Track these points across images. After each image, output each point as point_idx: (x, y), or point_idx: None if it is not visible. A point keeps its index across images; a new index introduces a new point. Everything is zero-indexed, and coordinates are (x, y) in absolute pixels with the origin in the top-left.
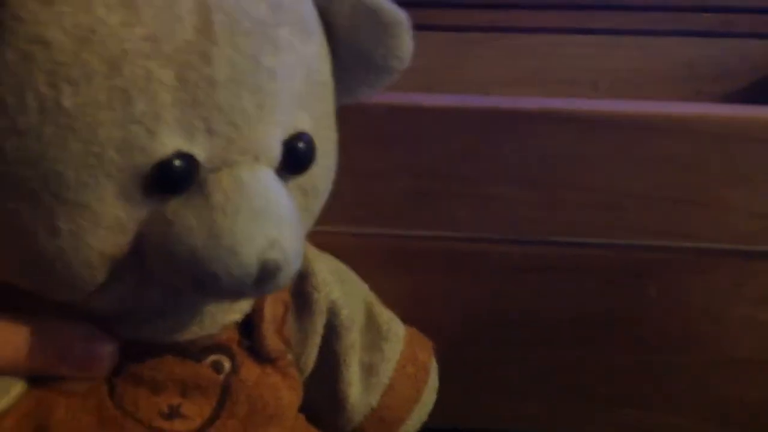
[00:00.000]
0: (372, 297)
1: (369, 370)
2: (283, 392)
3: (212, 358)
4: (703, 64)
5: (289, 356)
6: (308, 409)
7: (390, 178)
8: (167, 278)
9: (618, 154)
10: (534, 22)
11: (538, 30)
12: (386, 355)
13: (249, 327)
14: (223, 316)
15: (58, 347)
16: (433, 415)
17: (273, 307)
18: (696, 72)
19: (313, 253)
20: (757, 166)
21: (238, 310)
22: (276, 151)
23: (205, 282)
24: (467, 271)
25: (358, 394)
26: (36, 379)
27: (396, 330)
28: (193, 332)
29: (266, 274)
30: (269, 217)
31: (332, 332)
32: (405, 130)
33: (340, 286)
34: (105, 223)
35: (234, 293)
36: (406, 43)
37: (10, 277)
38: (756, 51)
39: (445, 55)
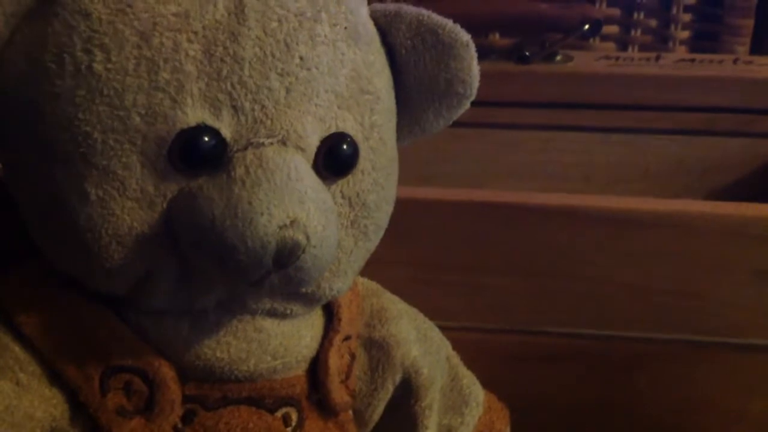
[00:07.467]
0: (455, 357)
1: None
2: None
3: (284, 410)
4: (690, 161)
5: (350, 412)
6: None
7: (385, 269)
8: (193, 256)
9: (609, 246)
10: (525, 119)
11: (530, 127)
12: (465, 419)
13: (316, 378)
14: (292, 345)
15: None
16: None
17: (338, 357)
18: (684, 168)
19: (398, 307)
20: (742, 260)
21: (305, 345)
22: (308, 141)
23: (224, 255)
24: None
25: None
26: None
27: (476, 394)
28: (266, 362)
29: (285, 253)
30: (291, 194)
31: (410, 391)
32: (398, 222)
33: (420, 345)
34: (132, 194)
35: (254, 269)
36: (469, 65)
37: (58, 259)
38: (738, 149)
39: (437, 149)
